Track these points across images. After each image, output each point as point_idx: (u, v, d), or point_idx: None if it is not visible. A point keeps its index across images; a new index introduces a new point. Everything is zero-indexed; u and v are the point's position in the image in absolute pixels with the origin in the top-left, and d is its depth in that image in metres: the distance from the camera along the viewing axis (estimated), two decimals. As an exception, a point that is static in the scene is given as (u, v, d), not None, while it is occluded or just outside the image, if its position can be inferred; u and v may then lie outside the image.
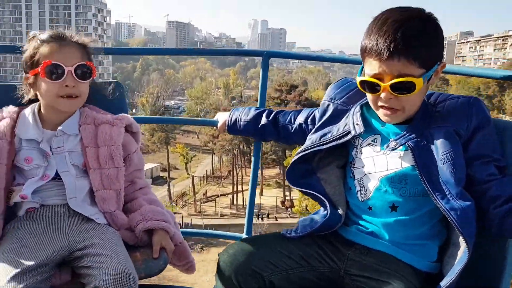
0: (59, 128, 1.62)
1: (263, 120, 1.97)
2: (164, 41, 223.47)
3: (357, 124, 1.53)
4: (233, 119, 2.08)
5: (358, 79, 1.47)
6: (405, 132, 1.46)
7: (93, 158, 1.61)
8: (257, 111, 2.03)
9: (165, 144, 47.58)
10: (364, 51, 1.42)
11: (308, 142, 1.64)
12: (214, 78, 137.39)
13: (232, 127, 2.08)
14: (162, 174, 49.01)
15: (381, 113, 1.47)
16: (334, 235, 1.61)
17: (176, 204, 40.93)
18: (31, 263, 1.37)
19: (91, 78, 1.64)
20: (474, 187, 1.41)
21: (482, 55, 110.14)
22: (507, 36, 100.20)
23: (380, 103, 1.44)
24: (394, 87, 1.37)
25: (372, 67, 1.40)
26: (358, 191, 1.56)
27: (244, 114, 2.05)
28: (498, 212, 1.37)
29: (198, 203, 40.50)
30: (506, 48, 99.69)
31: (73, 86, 1.58)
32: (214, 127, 2.25)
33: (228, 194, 42.19)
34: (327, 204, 1.57)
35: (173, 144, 50.15)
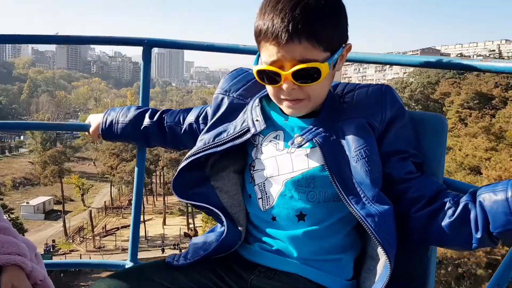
0: None
1: (146, 121, 1.70)
2: (53, 60, 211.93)
3: (256, 120, 1.31)
4: (108, 121, 1.76)
5: (255, 68, 1.24)
6: (311, 126, 1.27)
7: None
8: (138, 110, 1.73)
9: (59, 178, 45.12)
10: (259, 35, 1.19)
11: (199, 143, 1.37)
12: (110, 99, 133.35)
13: (108, 132, 1.76)
14: (56, 207, 46.54)
15: (284, 106, 1.26)
16: (234, 256, 1.36)
17: (73, 241, 39.05)
18: None
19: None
20: (391, 188, 1.24)
21: (365, 76, 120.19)
22: (460, 54, 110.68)
23: (282, 96, 1.24)
24: (296, 75, 1.17)
25: (269, 53, 1.18)
26: (259, 198, 1.32)
27: (122, 115, 1.74)
28: (420, 216, 1.21)
29: (97, 237, 39.02)
30: (385, 70, 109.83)
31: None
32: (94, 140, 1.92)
33: (129, 225, 41.14)
34: (223, 219, 1.32)
35: (67, 174, 47.79)
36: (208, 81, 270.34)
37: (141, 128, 1.71)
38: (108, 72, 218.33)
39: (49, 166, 44.79)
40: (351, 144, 1.21)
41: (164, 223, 40.69)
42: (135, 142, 1.83)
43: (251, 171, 1.35)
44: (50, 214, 44.01)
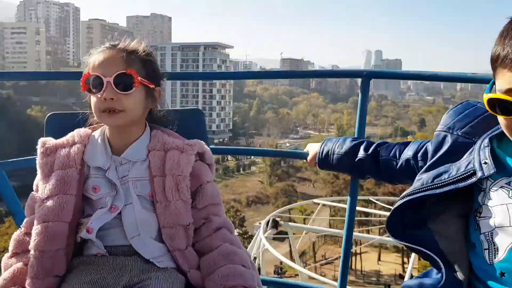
0: (122, 155, 1.47)
1: (361, 153, 1.69)
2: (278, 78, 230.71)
3: (485, 163, 1.18)
4: (324, 151, 1.80)
5: (486, 96, 1.13)
6: None
7: (160, 189, 1.43)
8: (354, 142, 1.74)
9: (288, 210, 50.40)
10: (496, 60, 1.10)
11: (417, 183, 1.29)
12: (326, 115, 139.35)
13: (324, 161, 1.80)
14: (281, 228, 51.26)
15: None
16: None
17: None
18: None
19: (133, 89, 1.42)
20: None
21: None
22: None
23: None
24: None
25: (506, 80, 1.06)
26: (485, 249, 1.18)
27: (338, 146, 1.77)
28: None
29: (318, 264, 40.84)
30: None
31: (111, 99, 1.40)
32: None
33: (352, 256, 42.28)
34: (442, 266, 1.24)
35: (292, 195, 52.10)
36: (427, 93, 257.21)
37: (356, 160, 1.71)
38: (326, 87, 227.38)
39: (281, 198, 50.11)
40: None
41: (379, 258, 40.88)
42: (349, 173, 1.86)
43: (477, 218, 1.22)
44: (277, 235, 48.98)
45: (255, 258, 14.89)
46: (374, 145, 1.70)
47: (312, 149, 1.91)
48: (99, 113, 1.44)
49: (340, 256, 1.99)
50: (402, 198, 1.28)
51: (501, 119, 1.14)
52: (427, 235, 1.27)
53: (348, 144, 1.75)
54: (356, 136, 1.95)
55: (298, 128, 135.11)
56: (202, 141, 1.56)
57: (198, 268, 1.45)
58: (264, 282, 1.56)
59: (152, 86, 1.50)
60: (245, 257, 1.45)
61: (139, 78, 1.43)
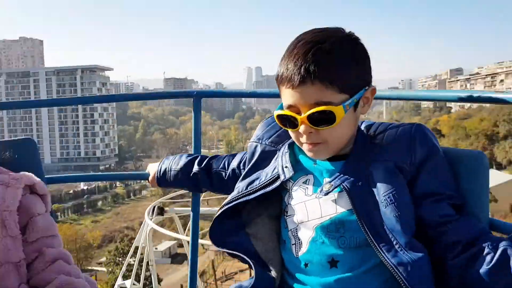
0: None
1: (195, 167, 1.75)
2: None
3: (285, 167, 1.32)
4: (162, 169, 1.85)
5: (275, 113, 1.27)
6: (340, 171, 1.25)
7: None
8: (189, 158, 1.80)
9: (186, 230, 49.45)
10: (277, 80, 1.24)
11: (234, 192, 1.39)
12: (214, 131, 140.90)
13: (162, 179, 1.85)
14: (179, 250, 50.41)
15: (305, 149, 1.27)
16: None
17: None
18: None
19: None
20: (426, 233, 1.18)
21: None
22: (495, 73, 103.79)
23: (302, 140, 1.24)
24: (312, 119, 1.17)
25: (286, 97, 1.20)
26: (292, 244, 1.31)
27: (174, 163, 1.83)
28: (456, 263, 1.14)
29: (219, 282, 40.66)
30: (495, 85, 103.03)
31: None
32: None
33: (245, 269, 42.86)
34: (252, 266, 1.33)
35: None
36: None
37: (191, 175, 1.76)
38: (211, 104, 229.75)
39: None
40: (379, 188, 1.18)
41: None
42: (187, 188, 1.91)
43: (285, 217, 1.35)
44: (175, 258, 47.95)
45: (143, 247, 14.25)
46: (207, 158, 1.78)
47: (152, 169, 1.94)
48: None
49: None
50: (222, 207, 1.38)
51: (290, 132, 1.29)
52: (244, 239, 1.39)
53: (183, 160, 1.81)
54: (193, 153, 2.05)
55: (188, 147, 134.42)
56: (30, 173, 1.49)
57: None
58: None
59: None
60: (84, 286, 1.39)
61: None
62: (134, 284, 14.58)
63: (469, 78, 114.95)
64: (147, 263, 14.35)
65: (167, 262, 47.91)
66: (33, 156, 1.73)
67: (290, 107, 1.22)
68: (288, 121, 1.24)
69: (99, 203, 76.65)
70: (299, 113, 1.20)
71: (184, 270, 44.05)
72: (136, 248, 15.37)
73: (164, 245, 49.54)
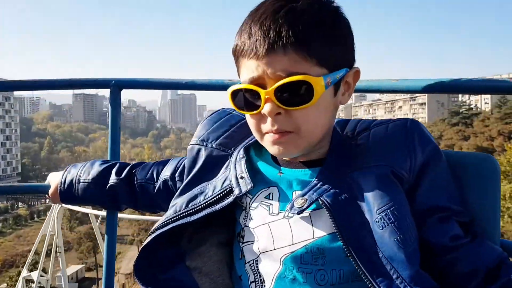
0: None
1: (112, 178, 1.34)
2: (71, 114, 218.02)
3: (241, 177, 0.99)
4: (67, 180, 1.39)
5: (229, 89, 0.95)
6: (315, 181, 0.93)
7: None
8: (104, 165, 1.38)
9: (94, 253, 47.76)
10: (235, 52, 0.94)
11: (169, 211, 1.03)
12: (126, 150, 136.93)
13: (67, 194, 1.40)
14: (87, 274, 48.55)
15: (268, 142, 0.94)
16: None
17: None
18: None
19: None
20: (433, 260, 0.90)
21: (376, 117, 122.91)
22: (394, 100, 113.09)
23: (264, 127, 0.93)
24: (281, 94, 0.87)
25: (247, 70, 0.91)
26: (251, 282, 0.97)
27: (84, 172, 1.38)
28: None
29: None
30: (394, 111, 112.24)
31: None
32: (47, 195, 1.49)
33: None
34: None
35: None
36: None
37: (107, 187, 1.36)
38: (124, 122, 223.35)
39: (84, 243, 47.48)
40: (372, 203, 0.89)
41: None
42: (101, 205, 1.51)
43: (240, 244, 1.02)
44: (83, 282, 45.94)
45: (52, 235, 13.76)
46: (129, 166, 1.38)
47: (54, 180, 1.47)
48: None
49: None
50: (152, 232, 1.03)
51: (248, 118, 0.98)
52: (184, 275, 1.05)
53: (96, 168, 1.39)
54: (109, 158, 1.63)
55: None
56: None
57: None
58: None
59: None
60: None
61: None
62: (41, 275, 13.68)
63: (371, 104, 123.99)
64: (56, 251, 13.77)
65: (75, 287, 45.87)
66: None
67: (251, 81, 0.91)
68: (247, 102, 0.94)
69: (-1, 225, 71.48)
70: (263, 87, 0.90)
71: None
72: (44, 236, 14.63)
73: (71, 269, 47.36)
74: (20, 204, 79.97)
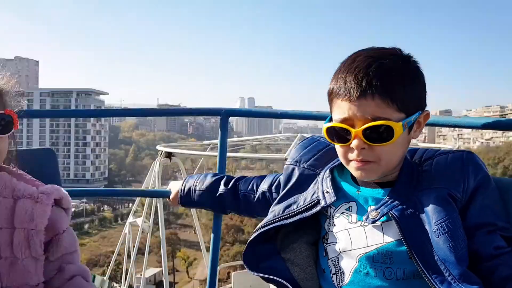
0: None
1: (221, 188, 1.71)
2: (154, 123, 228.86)
3: (327, 192, 1.27)
4: (186, 188, 1.79)
5: (325, 125, 1.20)
6: (386, 198, 1.18)
7: (6, 243, 1.21)
8: (215, 178, 1.76)
9: (172, 258, 49.40)
10: (331, 93, 1.19)
11: (270, 215, 1.35)
12: (205, 159, 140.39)
13: (186, 198, 1.80)
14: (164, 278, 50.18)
15: (352, 167, 1.19)
16: None
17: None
18: None
19: (11, 131, 1.27)
20: (478, 265, 1.11)
21: (462, 134, 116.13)
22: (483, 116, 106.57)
23: (351, 156, 1.17)
24: (367, 133, 1.11)
25: (340, 110, 1.15)
26: (333, 274, 1.24)
27: (199, 182, 1.77)
28: None
29: None
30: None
31: None
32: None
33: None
34: None
35: (175, 242, 51.49)
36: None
37: (216, 195, 1.71)
38: (203, 132, 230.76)
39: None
40: (431, 217, 1.12)
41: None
42: (211, 209, 1.83)
43: (324, 244, 1.29)
44: (160, 285, 47.71)
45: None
46: (234, 179, 1.73)
47: (174, 187, 1.88)
48: None
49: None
50: (257, 230, 1.34)
51: (337, 147, 1.22)
52: (280, 264, 1.34)
53: (209, 179, 1.77)
54: (217, 172, 2.01)
55: (177, 174, 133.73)
56: (57, 186, 1.36)
57: None
58: None
59: None
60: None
61: None
62: (145, 222, 14.44)
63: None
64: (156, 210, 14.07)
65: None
66: (53, 166, 1.72)
67: (343, 121, 1.16)
68: (338, 135, 1.18)
69: (86, 226, 76.01)
70: (352, 126, 1.14)
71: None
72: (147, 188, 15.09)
73: (149, 272, 49.34)
74: (105, 207, 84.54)
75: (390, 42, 1.30)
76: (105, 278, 14.43)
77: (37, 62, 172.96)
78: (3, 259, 1.22)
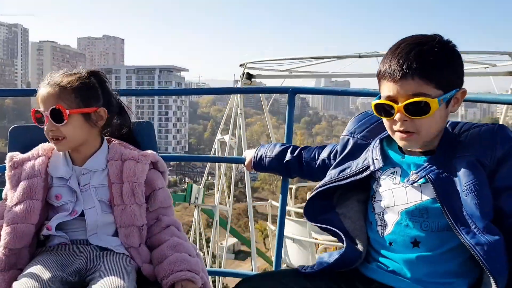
0: (84, 166, 1.63)
1: (288, 156, 1.93)
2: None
3: (376, 159, 1.48)
4: (258, 155, 2.05)
5: (373, 102, 1.42)
6: (425, 164, 1.38)
7: (118, 194, 1.60)
8: (282, 147, 1.99)
9: (247, 217, 51.34)
10: (378, 75, 1.39)
11: (327, 177, 1.59)
12: (280, 135, 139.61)
13: (258, 164, 2.06)
14: (242, 248, 52.23)
15: (397, 137, 1.40)
16: (354, 273, 1.52)
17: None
18: (48, 281, 1.39)
19: (64, 121, 1.56)
20: (503, 221, 1.30)
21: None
22: None
23: (395, 128, 1.38)
24: (408, 108, 1.31)
25: (386, 89, 1.36)
26: (378, 225, 1.47)
27: (269, 151, 2.02)
28: None
29: None
30: None
31: (51, 130, 1.57)
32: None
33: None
34: (344, 239, 1.51)
35: (253, 215, 53.35)
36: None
37: (284, 162, 1.95)
38: (278, 108, 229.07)
39: (242, 218, 51.47)
40: (462, 179, 1.31)
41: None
42: (279, 173, 2.08)
43: (373, 202, 1.51)
44: (238, 254, 49.47)
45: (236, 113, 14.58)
46: (299, 149, 1.95)
47: (249, 154, 2.14)
48: (49, 140, 1.62)
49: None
50: (316, 189, 1.57)
51: (384, 120, 1.42)
52: (335, 217, 1.57)
53: (277, 148, 2.01)
54: (285, 142, 2.25)
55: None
56: (154, 152, 1.75)
57: (150, 262, 1.61)
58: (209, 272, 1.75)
59: (88, 110, 1.61)
60: (191, 248, 1.64)
61: (67, 111, 1.56)
62: (231, 138, 14.87)
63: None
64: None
65: (231, 257, 49.67)
66: (151, 136, 1.97)
67: (388, 98, 1.35)
68: (384, 110, 1.38)
69: (169, 196, 79.55)
70: (396, 102, 1.33)
71: (246, 267, 45.18)
72: (229, 116, 15.65)
73: (229, 241, 51.25)
74: (186, 179, 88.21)
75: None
76: (200, 186, 15.55)
77: (123, 40, 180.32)
78: (116, 206, 1.60)
